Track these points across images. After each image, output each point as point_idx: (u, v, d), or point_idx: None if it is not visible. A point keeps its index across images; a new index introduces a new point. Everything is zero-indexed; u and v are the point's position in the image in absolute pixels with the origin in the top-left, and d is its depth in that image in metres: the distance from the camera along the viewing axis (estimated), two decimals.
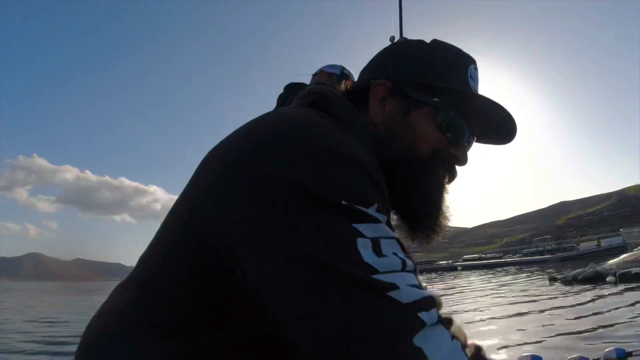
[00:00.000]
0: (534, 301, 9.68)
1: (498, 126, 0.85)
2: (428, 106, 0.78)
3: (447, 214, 0.82)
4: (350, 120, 0.74)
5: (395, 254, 0.53)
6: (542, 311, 7.77)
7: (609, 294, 9.91)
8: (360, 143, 0.63)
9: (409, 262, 0.54)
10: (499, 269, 38.92)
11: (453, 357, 0.50)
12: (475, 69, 0.84)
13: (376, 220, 0.54)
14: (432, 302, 0.52)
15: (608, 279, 13.88)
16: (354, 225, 0.52)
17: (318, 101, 0.76)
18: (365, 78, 0.85)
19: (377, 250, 0.52)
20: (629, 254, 19.21)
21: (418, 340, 0.48)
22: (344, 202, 0.53)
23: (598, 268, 15.06)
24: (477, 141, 0.88)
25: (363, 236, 0.52)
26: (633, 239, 43.05)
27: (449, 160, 0.81)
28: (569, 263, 28.12)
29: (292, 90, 2.04)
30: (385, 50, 0.88)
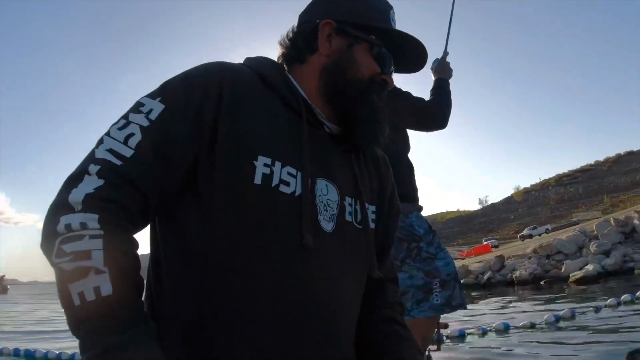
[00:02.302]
0: None
1: (415, 56, 1.06)
2: (366, 42, 0.98)
3: (385, 124, 1.01)
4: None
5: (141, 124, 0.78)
6: None
7: None
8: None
9: (139, 139, 0.77)
10: None
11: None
12: (394, 13, 1.06)
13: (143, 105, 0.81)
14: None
15: None
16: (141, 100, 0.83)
17: None
18: (311, 19, 1.02)
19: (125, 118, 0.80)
20: None
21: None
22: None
23: None
24: (397, 71, 1.08)
25: (140, 109, 0.81)
26: None
27: (380, 83, 1.00)
28: None
29: None
30: None
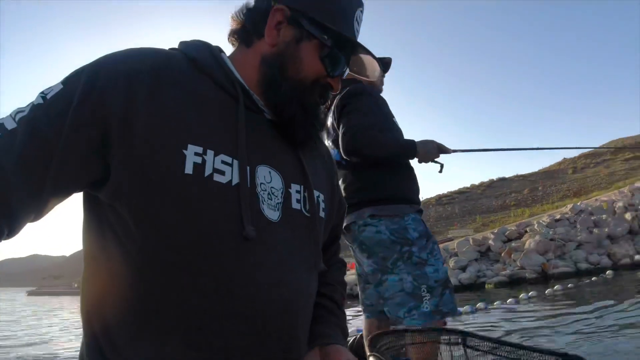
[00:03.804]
0: None
1: (366, 66, 1.02)
2: (316, 40, 0.89)
3: (323, 123, 0.97)
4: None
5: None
6: None
7: None
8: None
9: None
10: None
11: None
12: (362, 12, 0.97)
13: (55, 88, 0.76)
14: None
15: None
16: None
17: None
18: None
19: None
20: None
21: None
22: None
23: None
24: (351, 72, 1.02)
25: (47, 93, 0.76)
26: None
27: (325, 87, 0.93)
28: None
29: None
30: None
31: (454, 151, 2.48)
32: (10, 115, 0.73)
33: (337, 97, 2.37)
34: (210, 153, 0.78)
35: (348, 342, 3.19)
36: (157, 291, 0.75)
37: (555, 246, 13.14)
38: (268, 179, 0.86)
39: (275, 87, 0.89)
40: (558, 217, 15.63)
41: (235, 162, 0.81)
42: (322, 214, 0.98)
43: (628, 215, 13.87)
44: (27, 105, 0.74)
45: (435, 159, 2.34)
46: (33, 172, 0.71)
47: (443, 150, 2.34)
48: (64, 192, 0.77)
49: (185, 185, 0.75)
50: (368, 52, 0.95)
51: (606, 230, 13.44)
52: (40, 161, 0.71)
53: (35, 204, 0.73)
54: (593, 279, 10.68)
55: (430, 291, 2.12)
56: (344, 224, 2.17)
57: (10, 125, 0.72)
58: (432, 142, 2.31)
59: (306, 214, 0.92)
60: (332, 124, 2.38)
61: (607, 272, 11.07)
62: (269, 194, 0.85)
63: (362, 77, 1.06)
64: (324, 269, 0.95)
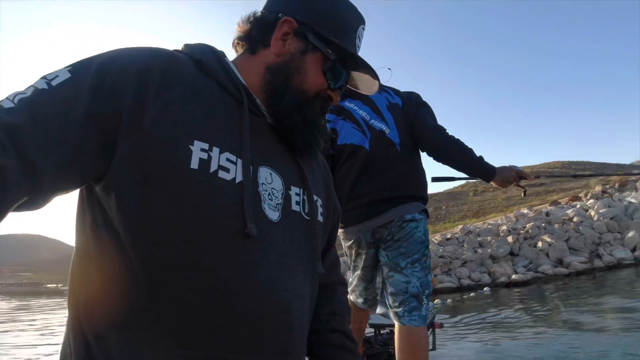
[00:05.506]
0: None
1: (365, 79, 1.04)
2: (320, 53, 0.91)
3: (323, 133, 0.97)
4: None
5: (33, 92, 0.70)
6: None
7: None
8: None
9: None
10: None
11: None
12: (363, 29, 1.01)
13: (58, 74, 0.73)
14: None
15: None
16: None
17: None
18: (275, 10, 0.94)
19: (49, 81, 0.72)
20: None
21: None
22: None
23: None
24: (349, 85, 1.06)
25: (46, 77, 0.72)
26: None
27: (325, 99, 0.95)
28: None
29: None
30: None
31: (536, 177, 2.66)
32: (8, 97, 0.68)
33: (406, 92, 2.54)
34: (215, 150, 0.78)
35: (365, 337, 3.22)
36: (152, 287, 0.73)
37: (443, 263, 14.09)
38: (269, 180, 0.87)
39: (279, 96, 0.90)
40: (449, 236, 16.73)
41: (239, 161, 0.81)
42: (320, 217, 0.99)
43: (510, 238, 15.12)
44: (28, 88, 0.70)
45: (519, 184, 2.50)
46: (19, 144, 0.65)
47: (522, 176, 2.46)
48: (65, 182, 0.72)
49: (190, 180, 0.74)
50: (369, 68, 0.97)
51: (489, 250, 14.59)
52: (38, 145, 0.66)
53: (29, 187, 0.66)
54: (471, 294, 11.60)
55: (427, 297, 2.25)
56: (383, 222, 2.32)
57: (8, 105, 0.66)
58: (510, 168, 2.43)
59: (305, 216, 0.93)
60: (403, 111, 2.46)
61: (485, 289, 12.04)
62: (269, 194, 0.86)
63: (359, 91, 1.10)
64: (323, 271, 0.95)
